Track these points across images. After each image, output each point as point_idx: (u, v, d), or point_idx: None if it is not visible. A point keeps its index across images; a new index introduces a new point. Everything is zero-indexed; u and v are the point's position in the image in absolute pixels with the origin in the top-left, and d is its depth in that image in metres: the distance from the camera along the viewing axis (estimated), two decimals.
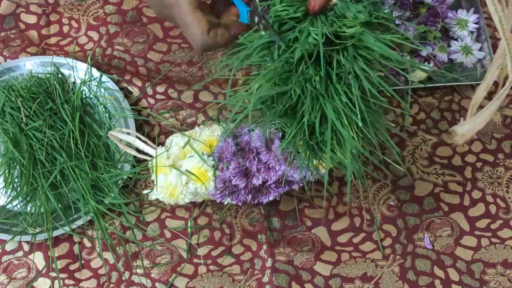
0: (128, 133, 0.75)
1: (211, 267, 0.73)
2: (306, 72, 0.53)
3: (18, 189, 0.74)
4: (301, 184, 0.70)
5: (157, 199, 0.72)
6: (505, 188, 0.78)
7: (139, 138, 0.73)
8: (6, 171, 0.74)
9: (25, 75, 0.81)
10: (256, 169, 0.67)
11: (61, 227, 0.73)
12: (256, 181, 0.67)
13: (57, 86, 0.78)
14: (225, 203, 0.71)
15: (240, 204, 0.70)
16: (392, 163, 0.68)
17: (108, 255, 0.73)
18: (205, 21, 0.63)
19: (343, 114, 0.54)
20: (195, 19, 0.62)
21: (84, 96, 0.80)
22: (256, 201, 0.70)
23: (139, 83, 0.82)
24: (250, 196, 0.69)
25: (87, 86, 0.80)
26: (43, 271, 0.72)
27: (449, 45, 0.83)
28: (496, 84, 0.84)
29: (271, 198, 0.70)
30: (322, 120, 0.56)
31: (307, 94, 0.54)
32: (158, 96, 0.82)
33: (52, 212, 0.73)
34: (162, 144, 0.72)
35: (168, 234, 0.75)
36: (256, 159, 0.67)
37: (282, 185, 0.69)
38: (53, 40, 0.87)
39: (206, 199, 0.72)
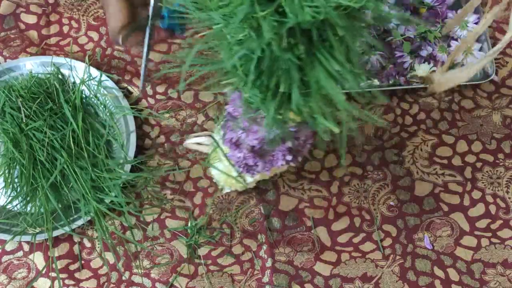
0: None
1: (211, 267, 0.73)
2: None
3: (18, 189, 0.74)
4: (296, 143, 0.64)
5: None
6: (505, 188, 0.78)
7: (210, 135, 0.73)
8: (6, 171, 0.74)
9: (25, 75, 0.81)
10: (237, 138, 0.65)
11: (61, 227, 0.73)
12: (244, 150, 0.65)
13: (57, 86, 0.78)
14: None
15: (268, 171, 0.67)
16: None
17: (108, 255, 0.73)
18: (122, 16, 0.63)
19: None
20: (115, 11, 0.63)
21: (84, 96, 0.80)
22: (270, 165, 0.66)
23: (139, 83, 0.83)
24: (260, 164, 0.66)
25: (86, 85, 0.80)
26: (43, 271, 0.72)
27: (449, 45, 0.83)
28: (495, 83, 0.84)
29: (280, 163, 0.65)
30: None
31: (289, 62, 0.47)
32: (158, 96, 0.82)
33: (52, 212, 0.73)
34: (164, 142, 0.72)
35: (168, 234, 0.75)
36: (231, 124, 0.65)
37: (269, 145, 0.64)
38: (53, 40, 0.87)
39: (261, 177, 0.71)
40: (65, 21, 0.88)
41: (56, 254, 0.73)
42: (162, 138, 0.80)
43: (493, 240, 0.75)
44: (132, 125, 0.78)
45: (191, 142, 0.75)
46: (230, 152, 0.66)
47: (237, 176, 0.69)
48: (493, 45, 0.85)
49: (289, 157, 0.64)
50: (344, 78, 0.46)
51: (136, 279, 0.72)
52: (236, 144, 0.65)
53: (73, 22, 0.88)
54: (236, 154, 0.65)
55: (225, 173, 0.69)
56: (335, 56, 0.45)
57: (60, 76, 0.81)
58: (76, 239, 0.74)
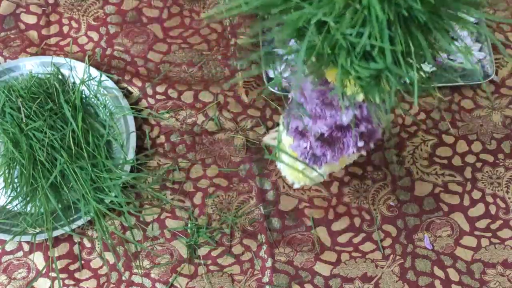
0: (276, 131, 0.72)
1: (211, 267, 0.73)
2: None
3: (18, 189, 0.74)
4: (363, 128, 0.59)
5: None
6: (505, 188, 0.78)
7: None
8: (6, 171, 0.74)
9: (25, 75, 0.81)
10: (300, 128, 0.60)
11: (61, 227, 0.73)
12: (311, 137, 0.59)
13: (57, 86, 0.78)
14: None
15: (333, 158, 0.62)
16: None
17: (108, 255, 0.73)
18: None
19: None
20: None
21: (84, 96, 0.80)
22: (340, 154, 0.62)
23: (139, 83, 0.83)
24: (328, 154, 0.61)
25: (86, 85, 0.80)
26: (43, 271, 0.72)
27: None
28: (495, 83, 0.84)
29: (352, 151, 0.61)
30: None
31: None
32: (158, 96, 0.82)
33: (52, 212, 0.73)
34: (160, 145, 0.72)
35: (168, 234, 0.75)
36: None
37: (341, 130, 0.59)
38: (53, 40, 0.87)
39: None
40: (65, 21, 0.88)
41: (56, 254, 0.73)
42: (162, 138, 0.80)
43: (493, 240, 0.75)
44: (132, 125, 0.78)
45: (271, 137, 0.72)
46: (294, 142, 0.62)
47: (304, 169, 0.65)
48: (493, 45, 0.85)
49: (360, 143, 0.60)
50: (473, 5, 0.45)
51: (136, 279, 0.72)
52: (302, 134, 0.61)
53: (73, 22, 0.88)
54: (302, 144, 0.61)
55: (291, 167, 0.66)
56: None
57: (60, 76, 0.81)
58: (76, 239, 0.74)
